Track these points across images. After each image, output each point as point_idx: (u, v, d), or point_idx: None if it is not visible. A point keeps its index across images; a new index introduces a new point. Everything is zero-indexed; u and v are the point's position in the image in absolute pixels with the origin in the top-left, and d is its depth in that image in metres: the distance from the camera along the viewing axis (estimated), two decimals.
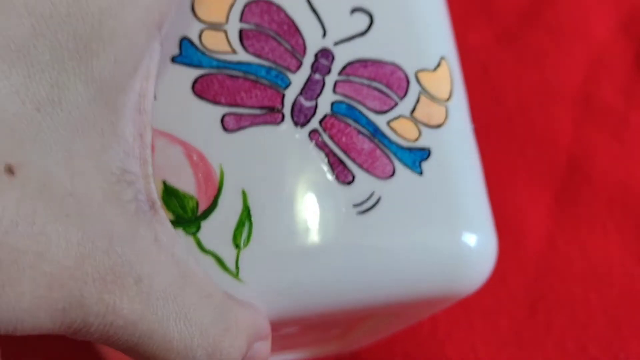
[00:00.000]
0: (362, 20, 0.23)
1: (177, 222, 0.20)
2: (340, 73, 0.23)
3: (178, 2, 0.19)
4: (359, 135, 0.22)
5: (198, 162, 0.21)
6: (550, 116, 0.37)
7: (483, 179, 0.24)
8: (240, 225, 0.20)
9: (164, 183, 0.21)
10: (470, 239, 0.22)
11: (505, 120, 0.38)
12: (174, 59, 0.21)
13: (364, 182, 0.22)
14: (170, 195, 0.20)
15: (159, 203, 0.18)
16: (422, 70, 0.23)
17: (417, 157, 0.22)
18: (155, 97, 0.21)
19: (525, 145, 0.37)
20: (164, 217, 0.18)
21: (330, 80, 0.23)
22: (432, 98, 0.23)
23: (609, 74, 0.38)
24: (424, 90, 0.23)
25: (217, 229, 0.20)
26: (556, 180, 0.36)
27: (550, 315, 0.32)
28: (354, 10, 0.23)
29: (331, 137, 0.22)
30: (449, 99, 0.24)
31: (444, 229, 0.22)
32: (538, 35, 0.38)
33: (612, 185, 0.36)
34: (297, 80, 0.22)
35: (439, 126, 0.23)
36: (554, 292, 0.33)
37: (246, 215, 0.20)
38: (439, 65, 0.23)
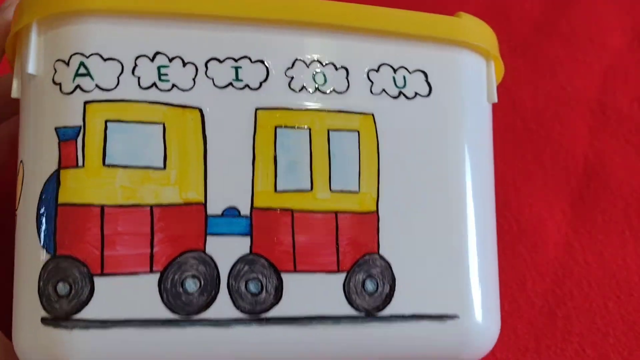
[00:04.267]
0: None
1: None
2: None
3: None
4: None
5: None
6: (566, 124, 0.36)
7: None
8: None
9: None
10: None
11: (522, 129, 0.37)
12: None
13: None
14: None
15: None
16: None
17: None
18: None
19: (542, 153, 0.36)
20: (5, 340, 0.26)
21: None
22: None
23: (624, 82, 0.37)
24: None
25: None
26: (573, 187, 0.35)
27: (570, 322, 0.32)
28: None
29: None
30: (17, 208, 0.25)
31: None
32: (553, 44, 0.38)
33: (629, 193, 0.34)
34: None
35: None
36: (572, 299, 0.33)
37: None
38: (19, 172, 0.26)
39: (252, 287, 0.25)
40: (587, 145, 0.36)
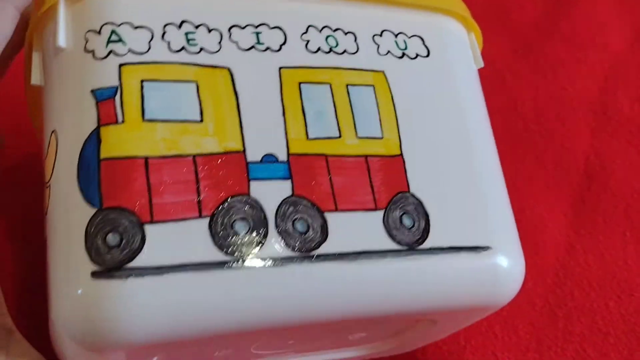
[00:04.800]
0: None
1: None
2: None
3: None
4: None
5: None
6: (567, 125, 0.36)
7: None
8: None
9: None
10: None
11: (523, 130, 0.37)
12: None
13: None
14: None
15: (14, 328, 0.25)
16: None
17: None
18: None
19: (543, 154, 0.36)
20: (19, 337, 0.25)
21: None
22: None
23: (625, 84, 0.37)
24: None
25: None
26: (574, 188, 0.35)
27: (571, 323, 0.32)
28: None
29: None
30: (49, 180, 0.26)
31: None
32: (554, 46, 0.38)
33: (630, 194, 0.34)
34: None
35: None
36: (573, 300, 0.32)
37: None
38: (49, 144, 0.26)
39: (299, 226, 0.26)
40: (588, 146, 0.36)
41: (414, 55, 0.30)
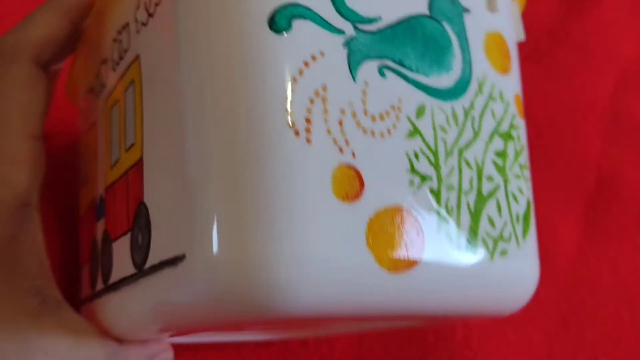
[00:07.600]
0: None
1: None
2: None
3: None
4: None
5: None
6: (579, 132, 0.37)
7: None
8: None
9: None
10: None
11: (535, 136, 0.36)
12: None
13: None
14: None
15: (62, 300, 0.26)
16: None
17: None
18: None
19: (555, 160, 0.37)
20: (68, 307, 0.26)
21: None
22: None
23: (637, 91, 0.39)
24: None
25: None
26: (585, 195, 0.36)
27: (582, 329, 0.33)
28: None
29: None
30: None
31: None
32: (566, 53, 0.39)
33: None
34: None
35: None
36: (585, 307, 0.33)
37: None
38: None
39: (106, 261, 0.27)
40: (599, 154, 0.37)
41: (152, 10, 0.24)
